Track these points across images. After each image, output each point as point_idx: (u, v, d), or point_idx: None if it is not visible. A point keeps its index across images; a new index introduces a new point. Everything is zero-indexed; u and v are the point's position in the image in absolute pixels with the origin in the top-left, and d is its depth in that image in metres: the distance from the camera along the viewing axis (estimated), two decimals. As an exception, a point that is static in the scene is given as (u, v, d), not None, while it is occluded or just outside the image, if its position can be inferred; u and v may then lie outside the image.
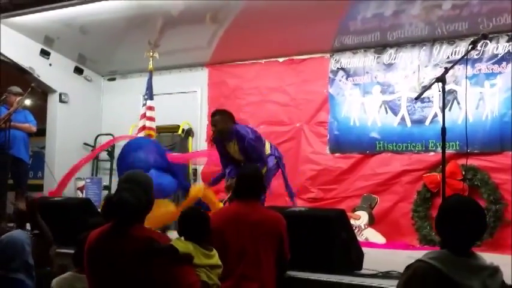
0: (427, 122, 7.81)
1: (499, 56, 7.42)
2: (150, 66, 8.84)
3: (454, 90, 7.58)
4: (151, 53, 8.84)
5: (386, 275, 4.51)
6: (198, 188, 6.36)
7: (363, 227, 7.77)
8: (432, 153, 7.68)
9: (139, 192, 3.06)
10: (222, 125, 6.23)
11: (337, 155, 8.51)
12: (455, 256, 2.73)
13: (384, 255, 6.45)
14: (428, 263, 2.70)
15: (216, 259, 3.60)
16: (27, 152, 8.64)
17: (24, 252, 4.26)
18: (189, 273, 3.15)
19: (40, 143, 10.55)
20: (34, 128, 8.73)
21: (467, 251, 2.81)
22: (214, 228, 3.75)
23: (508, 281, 3.06)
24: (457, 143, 7.35)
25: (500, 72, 7.41)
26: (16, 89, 8.52)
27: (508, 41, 7.36)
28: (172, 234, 3.99)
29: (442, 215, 2.87)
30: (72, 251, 4.43)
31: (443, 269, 2.66)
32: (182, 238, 3.52)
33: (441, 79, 4.75)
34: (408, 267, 2.79)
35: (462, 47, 7.55)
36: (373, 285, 4.29)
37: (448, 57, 7.70)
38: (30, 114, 8.77)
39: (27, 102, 9.07)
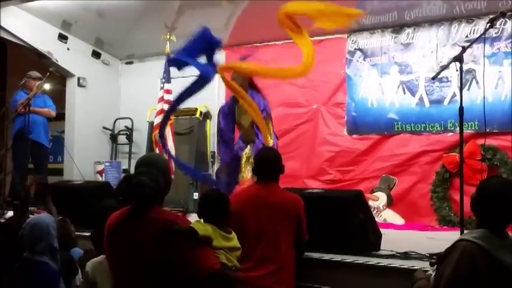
0: (446, 102, 7.75)
1: (519, 34, 7.35)
2: (167, 49, 8.85)
3: (473, 70, 7.50)
4: (168, 36, 8.85)
5: (404, 256, 4.51)
6: None
7: (381, 208, 7.77)
8: (451, 134, 7.63)
9: (157, 174, 3.08)
10: (240, 81, 6.17)
11: (354, 136, 8.49)
12: (494, 236, 2.82)
13: (403, 236, 6.45)
14: (475, 242, 2.78)
15: (235, 241, 3.61)
16: (47, 137, 8.72)
17: (49, 235, 4.31)
18: (209, 255, 3.17)
19: (59, 128, 10.63)
20: (53, 113, 8.80)
21: (503, 231, 2.91)
22: (233, 210, 3.76)
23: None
24: (476, 122, 7.28)
25: (520, 51, 7.33)
26: (35, 73, 8.58)
27: (528, 19, 7.27)
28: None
29: (482, 197, 2.94)
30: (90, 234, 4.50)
31: (489, 247, 2.76)
32: (201, 220, 3.55)
33: (459, 58, 4.70)
34: (453, 247, 2.84)
35: (481, 25, 7.45)
36: (391, 265, 4.31)
37: (467, 36, 7.62)
38: (49, 99, 8.84)
39: (46, 86, 9.11)
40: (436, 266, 3.04)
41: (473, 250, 2.75)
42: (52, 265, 4.26)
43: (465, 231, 3.13)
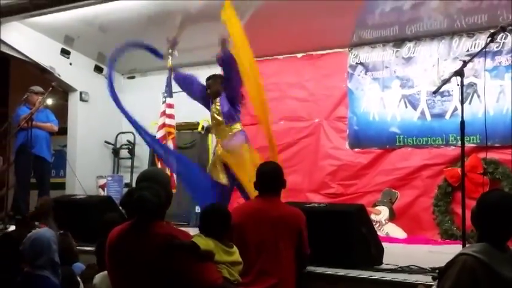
0: (447, 116, 7.76)
1: (520, 48, 7.36)
2: (169, 63, 8.87)
3: (474, 84, 7.51)
4: (170, 51, 8.88)
5: (406, 270, 4.51)
6: None
7: (383, 222, 7.75)
8: (453, 147, 7.62)
9: (158, 189, 3.09)
10: (215, 87, 6.75)
11: (356, 150, 8.49)
12: (495, 249, 2.80)
13: (405, 250, 6.45)
14: (475, 256, 2.77)
15: (236, 256, 3.61)
16: (49, 151, 8.73)
17: (50, 249, 4.30)
18: (211, 269, 3.17)
19: (62, 142, 10.65)
20: (56, 128, 8.82)
21: (504, 244, 2.89)
22: (234, 223, 3.77)
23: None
24: (478, 136, 7.28)
25: (521, 65, 7.34)
26: (38, 88, 8.61)
27: (528, 33, 7.29)
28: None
29: (482, 210, 2.93)
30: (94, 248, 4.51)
31: (489, 262, 2.74)
32: (203, 235, 3.54)
33: (459, 73, 4.72)
34: (454, 261, 2.83)
35: (482, 39, 7.45)
36: (393, 279, 4.30)
37: (468, 50, 7.63)
38: (51, 114, 8.86)
39: (49, 101, 9.15)
40: (437, 280, 3.03)
41: (473, 264, 2.74)
42: (53, 279, 4.25)
43: (467, 245, 3.13)
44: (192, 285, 3.03)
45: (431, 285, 3.30)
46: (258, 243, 4.09)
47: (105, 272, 3.96)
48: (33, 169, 8.30)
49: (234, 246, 3.62)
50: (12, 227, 7.06)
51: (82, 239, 5.36)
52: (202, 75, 10.06)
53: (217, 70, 9.67)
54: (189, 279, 3.01)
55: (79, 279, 4.75)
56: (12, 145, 8.61)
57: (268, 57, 9.31)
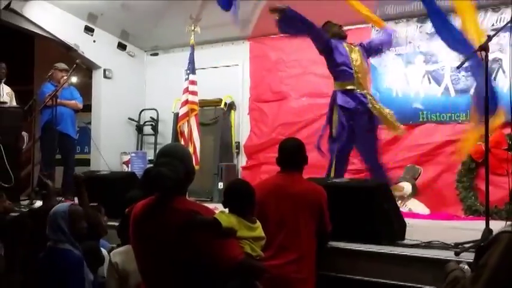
0: (472, 92, 7.68)
1: (546, 22, 7.24)
2: (192, 40, 8.88)
3: (499, 59, 7.43)
4: (192, 27, 8.89)
5: (428, 245, 4.50)
6: None
7: (406, 198, 7.74)
8: (477, 123, 7.57)
9: (176, 164, 3.08)
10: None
11: (379, 126, 8.43)
12: None
13: (428, 226, 6.42)
14: None
15: (259, 231, 3.60)
16: (74, 128, 8.83)
17: (59, 225, 4.40)
18: (232, 245, 3.17)
19: (86, 119, 10.75)
20: (80, 105, 8.92)
21: None
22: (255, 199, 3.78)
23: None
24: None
25: (547, 39, 7.23)
26: (62, 65, 8.68)
27: (555, 7, 7.17)
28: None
29: None
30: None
31: None
32: (226, 210, 3.55)
33: (484, 47, 4.67)
34: (496, 238, 2.77)
35: (507, 14, 7.38)
36: (415, 255, 4.30)
37: (493, 25, 7.54)
38: (76, 91, 8.95)
39: (73, 79, 9.22)
40: (474, 258, 2.97)
41: None
42: (75, 252, 4.33)
43: (507, 223, 2.99)
44: (213, 261, 3.04)
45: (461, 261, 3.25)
46: (279, 219, 4.09)
47: (122, 249, 4.03)
48: (58, 146, 8.40)
49: (258, 221, 3.63)
50: (39, 203, 7.17)
51: (106, 214, 5.43)
52: (226, 51, 10.12)
53: (241, 47, 9.71)
54: (209, 256, 3.02)
55: (103, 255, 4.82)
56: (38, 122, 8.72)
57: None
